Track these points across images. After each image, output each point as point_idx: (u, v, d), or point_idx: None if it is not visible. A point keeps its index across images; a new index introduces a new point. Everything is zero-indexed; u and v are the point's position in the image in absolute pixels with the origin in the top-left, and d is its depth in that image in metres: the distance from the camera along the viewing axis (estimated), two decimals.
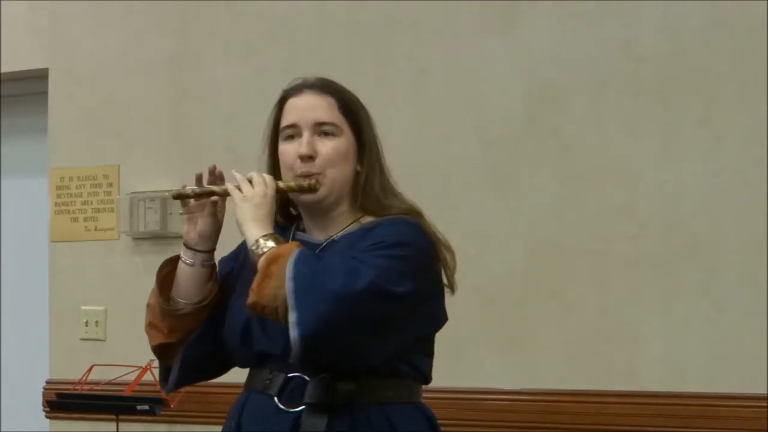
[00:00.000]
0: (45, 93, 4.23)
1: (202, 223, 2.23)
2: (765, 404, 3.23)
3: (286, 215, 2.31)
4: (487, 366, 3.54)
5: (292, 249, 2.06)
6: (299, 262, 2.02)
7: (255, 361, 2.19)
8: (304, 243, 2.19)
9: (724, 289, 3.32)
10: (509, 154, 3.55)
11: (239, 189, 2.17)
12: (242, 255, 2.28)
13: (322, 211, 2.22)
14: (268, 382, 2.15)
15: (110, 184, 4.11)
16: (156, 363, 3.76)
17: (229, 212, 2.24)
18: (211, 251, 2.24)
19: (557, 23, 3.52)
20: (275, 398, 2.12)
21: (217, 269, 2.28)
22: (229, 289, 2.26)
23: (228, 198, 2.22)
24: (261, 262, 2.06)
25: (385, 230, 2.14)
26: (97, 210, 4.14)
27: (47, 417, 4.09)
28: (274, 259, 2.05)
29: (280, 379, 2.13)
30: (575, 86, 3.49)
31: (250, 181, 2.17)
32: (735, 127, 3.33)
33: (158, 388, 3.68)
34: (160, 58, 4.05)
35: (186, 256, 2.23)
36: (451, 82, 3.64)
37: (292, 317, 1.99)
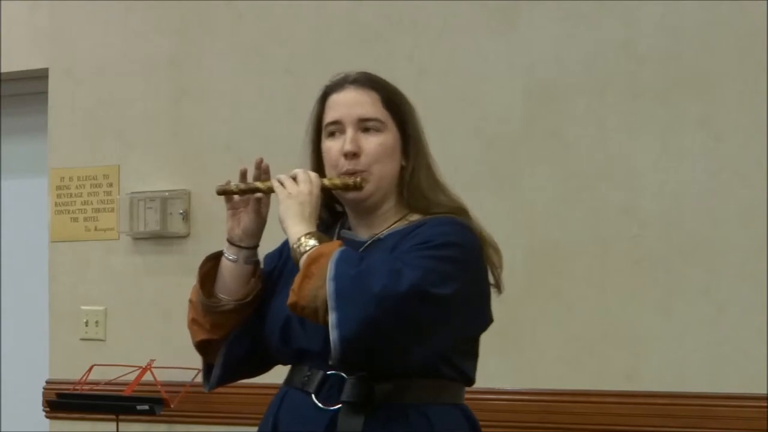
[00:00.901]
0: (45, 93, 4.23)
1: (246, 219, 2.20)
2: (765, 404, 3.23)
3: (332, 212, 2.27)
4: (487, 366, 3.52)
5: (334, 248, 2.03)
6: (341, 262, 1.99)
7: (294, 359, 2.17)
8: (348, 241, 2.16)
9: (724, 289, 3.32)
10: (509, 154, 3.55)
11: (284, 186, 2.13)
12: (285, 252, 2.24)
13: (367, 208, 2.19)
14: (306, 379, 2.12)
15: (110, 184, 4.11)
16: (156, 363, 3.81)
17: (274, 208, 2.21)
18: (254, 248, 2.20)
19: (557, 23, 3.52)
20: (313, 396, 2.09)
21: (261, 265, 2.25)
22: (271, 286, 2.23)
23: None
24: (302, 262, 2.04)
25: (431, 230, 2.10)
26: (97, 210, 4.14)
27: (47, 417, 4.09)
28: (315, 259, 2.02)
29: (318, 376, 2.10)
30: (575, 86, 3.49)
31: (294, 179, 2.14)
32: (735, 127, 3.33)
33: (158, 388, 3.72)
34: (160, 58, 4.05)
35: (229, 253, 2.20)
36: (451, 82, 3.64)
37: (332, 319, 1.96)
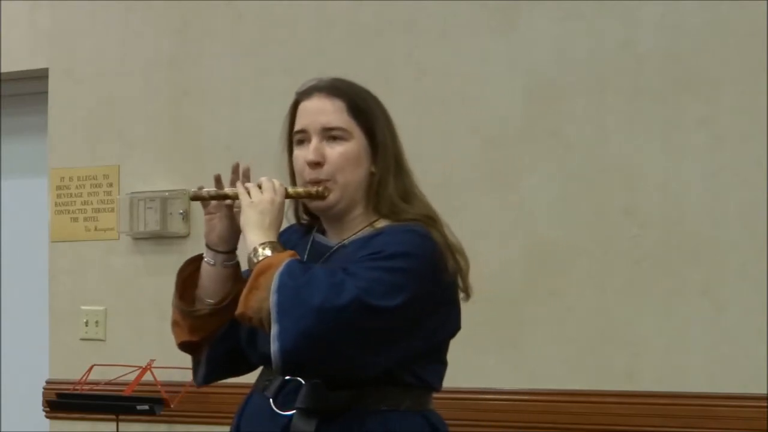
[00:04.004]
0: (45, 93, 4.23)
1: (221, 225, 2.20)
2: (765, 404, 3.23)
3: (312, 215, 2.27)
4: (486, 366, 3.54)
5: (283, 260, 2.03)
6: (285, 274, 1.99)
7: (260, 361, 2.19)
8: (319, 245, 2.19)
9: (724, 289, 3.32)
10: (509, 154, 3.55)
11: (249, 194, 2.13)
12: None
13: (335, 215, 2.19)
14: (267, 383, 2.15)
15: (110, 184, 4.11)
16: (156, 363, 3.82)
17: None
18: (231, 252, 2.21)
19: (557, 23, 3.52)
20: (270, 400, 2.12)
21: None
22: None
23: None
24: (253, 273, 2.05)
25: (385, 239, 2.09)
26: (97, 210, 4.14)
27: (47, 417, 4.09)
28: (263, 270, 2.02)
29: (278, 381, 2.12)
30: (575, 86, 3.49)
31: (260, 186, 2.14)
32: (735, 127, 3.33)
33: (158, 388, 3.72)
34: (160, 58, 4.05)
35: (207, 256, 2.22)
36: (451, 82, 3.64)
37: (273, 330, 1.97)
